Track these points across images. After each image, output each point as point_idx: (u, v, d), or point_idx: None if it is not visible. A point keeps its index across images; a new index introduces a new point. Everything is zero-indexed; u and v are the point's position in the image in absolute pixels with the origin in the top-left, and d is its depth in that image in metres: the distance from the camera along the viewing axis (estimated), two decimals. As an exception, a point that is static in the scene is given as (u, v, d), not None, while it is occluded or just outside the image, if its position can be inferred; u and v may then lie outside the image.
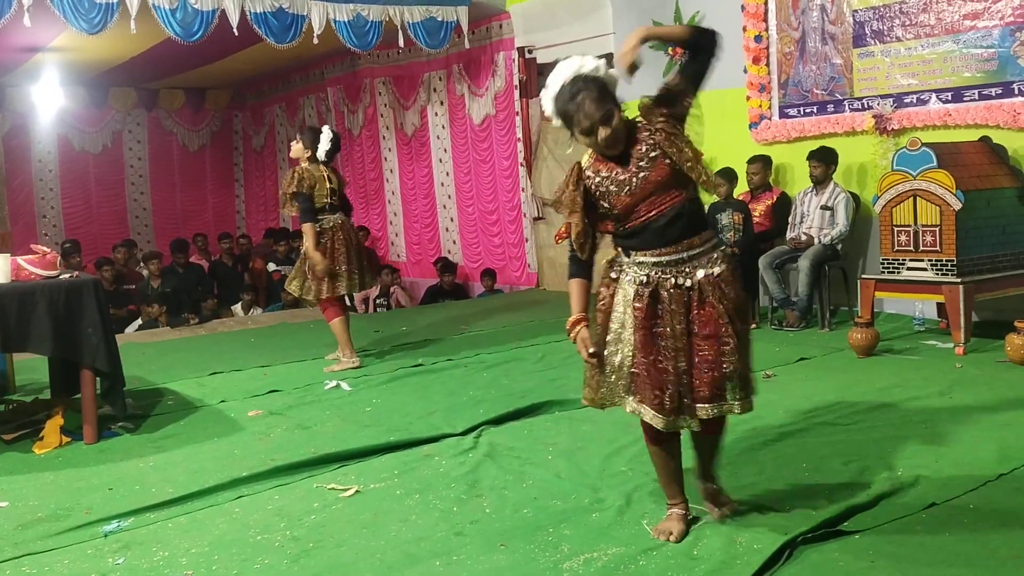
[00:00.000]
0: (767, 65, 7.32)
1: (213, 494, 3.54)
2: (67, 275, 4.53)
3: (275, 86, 13.43)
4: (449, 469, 3.72)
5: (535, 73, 9.36)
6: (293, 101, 13.23)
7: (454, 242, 10.87)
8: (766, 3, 7.28)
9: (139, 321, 8.95)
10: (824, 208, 6.52)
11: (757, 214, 6.96)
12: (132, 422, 4.63)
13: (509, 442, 4.05)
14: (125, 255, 10.95)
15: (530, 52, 9.34)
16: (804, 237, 6.56)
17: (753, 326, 6.57)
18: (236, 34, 7.68)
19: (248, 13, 7.70)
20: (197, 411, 4.94)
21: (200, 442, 4.33)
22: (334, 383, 5.37)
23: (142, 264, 10.47)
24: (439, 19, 8.78)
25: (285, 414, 4.78)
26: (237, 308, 10.11)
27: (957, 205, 5.37)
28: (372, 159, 11.93)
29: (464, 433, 4.20)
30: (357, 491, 3.49)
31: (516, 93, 9.48)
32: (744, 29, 7.35)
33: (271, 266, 11.04)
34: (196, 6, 7.47)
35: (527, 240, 9.74)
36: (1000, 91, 5.96)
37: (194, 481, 3.67)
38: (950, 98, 6.23)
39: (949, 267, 5.43)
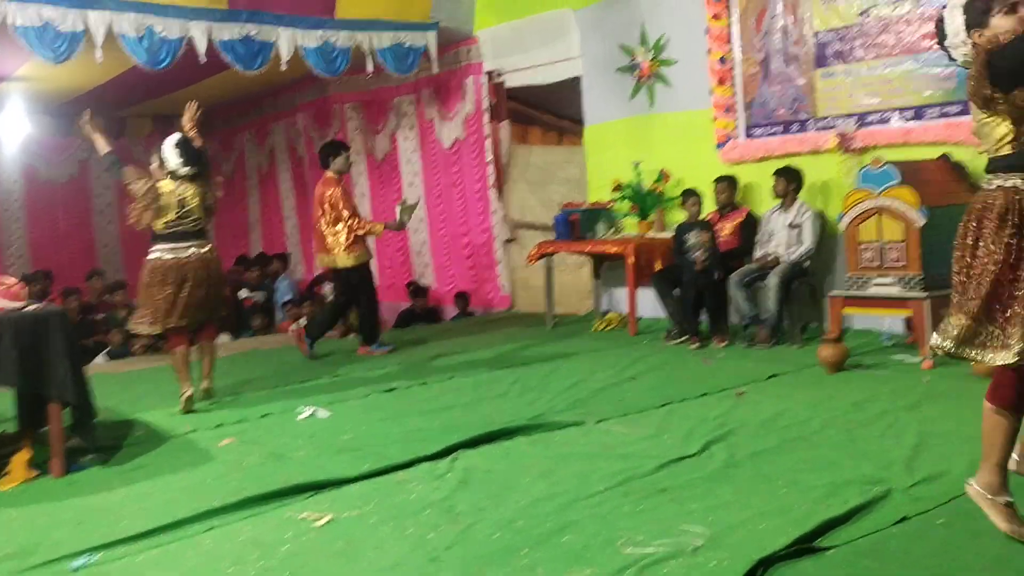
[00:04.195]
0: (732, 86, 7.42)
1: (184, 526, 3.48)
2: (33, 306, 4.47)
3: (245, 113, 13.38)
4: (424, 494, 3.69)
5: (504, 97, 9.43)
6: (263, 128, 13.19)
7: (426, 265, 10.85)
8: (729, 26, 7.39)
9: (106, 350, 8.81)
10: (792, 227, 6.60)
11: (725, 233, 7.03)
12: (102, 454, 4.56)
13: (485, 465, 4.03)
14: (101, 285, 10.83)
15: (499, 76, 9.40)
16: (771, 257, 6.63)
17: (724, 344, 6.69)
18: (204, 60, 7.65)
19: (215, 41, 7.69)
20: (168, 441, 4.87)
21: (171, 473, 4.27)
22: (309, 411, 5.33)
23: (108, 295, 10.35)
24: (407, 45, 8.79)
25: (258, 442, 4.73)
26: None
27: (921, 221, 5.46)
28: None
29: (439, 457, 4.18)
30: (331, 519, 3.46)
31: (485, 117, 9.53)
32: (709, 51, 7.45)
33: (242, 292, 10.95)
34: (163, 34, 7.44)
35: (499, 262, 9.76)
36: (959, 109, 6.07)
37: (165, 513, 3.61)
38: (912, 116, 6.35)
39: (915, 282, 5.51)
